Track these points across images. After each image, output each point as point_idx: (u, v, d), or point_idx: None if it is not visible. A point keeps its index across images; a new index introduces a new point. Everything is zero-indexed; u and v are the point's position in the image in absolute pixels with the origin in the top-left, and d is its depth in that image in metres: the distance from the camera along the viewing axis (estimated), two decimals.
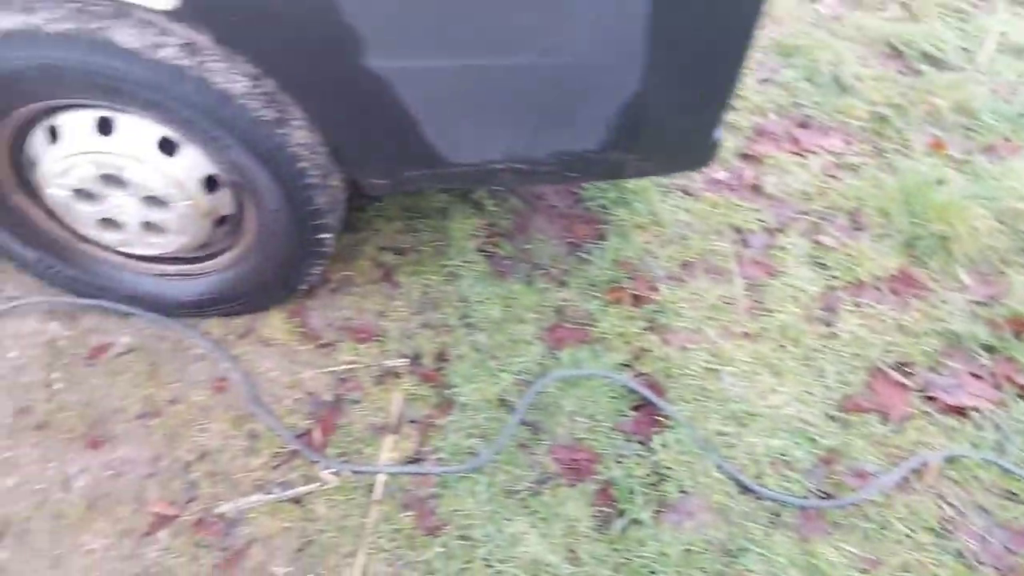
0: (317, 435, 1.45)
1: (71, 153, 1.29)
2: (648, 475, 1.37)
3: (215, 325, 1.62)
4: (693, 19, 1.09)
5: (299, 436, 1.44)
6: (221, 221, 1.45)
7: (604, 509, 1.34)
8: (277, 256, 1.47)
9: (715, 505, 1.34)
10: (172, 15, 1.11)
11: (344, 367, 1.55)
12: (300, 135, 1.29)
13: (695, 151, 1.34)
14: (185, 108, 1.19)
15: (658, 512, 1.32)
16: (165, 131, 1.29)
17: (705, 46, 1.14)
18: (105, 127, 1.28)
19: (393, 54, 1.11)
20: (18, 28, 1.11)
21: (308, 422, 1.47)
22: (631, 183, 1.85)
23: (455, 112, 1.20)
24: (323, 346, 1.59)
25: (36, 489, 1.38)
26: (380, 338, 1.60)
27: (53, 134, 1.29)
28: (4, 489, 1.38)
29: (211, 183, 1.37)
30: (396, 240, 1.77)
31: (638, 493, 1.33)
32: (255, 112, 1.22)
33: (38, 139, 1.31)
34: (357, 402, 1.50)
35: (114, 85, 1.16)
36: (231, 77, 1.20)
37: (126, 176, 1.31)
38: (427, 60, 1.12)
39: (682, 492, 1.34)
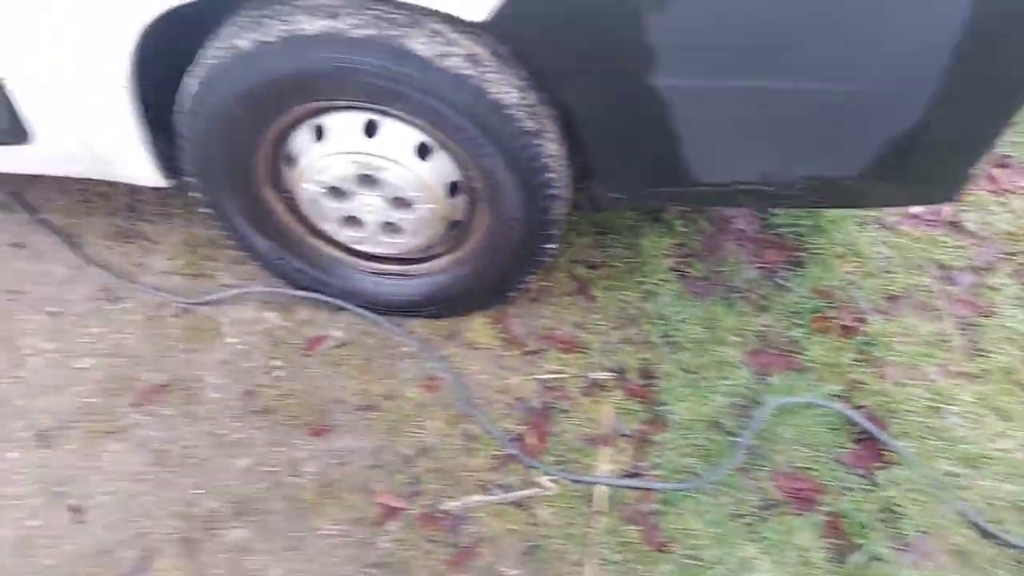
0: (531, 440, 1.47)
1: (335, 152, 1.36)
2: (879, 511, 1.34)
3: (420, 325, 1.67)
4: (997, 52, 1.08)
5: (513, 440, 1.47)
6: (451, 225, 1.50)
7: (836, 542, 1.31)
8: (501, 262, 1.51)
9: (954, 548, 1.30)
10: (470, 27, 1.16)
11: (550, 376, 1.57)
12: (552, 147, 1.32)
13: (949, 185, 1.32)
14: (459, 115, 1.24)
15: (896, 550, 1.29)
16: (423, 136, 1.35)
17: (999, 80, 1.12)
18: (370, 129, 1.35)
19: (682, 73, 1.13)
20: (324, 32, 1.17)
21: (520, 427, 1.50)
22: (828, 212, 1.83)
23: (724, 131, 1.21)
24: (528, 353, 1.61)
25: (269, 471, 1.44)
26: (583, 350, 1.61)
27: (318, 133, 1.37)
28: (240, 469, 1.45)
29: (452, 188, 1.43)
30: (588, 254, 1.79)
31: (871, 528, 1.31)
32: (520, 123, 1.26)
33: (302, 137, 1.37)
34: (566, 411, 1.52)
35: (400, 90, 1.22)
36: (503, 88, 1.24)
37: (381, 177, 1.36)
38: (714, 80, 1.14)
39: (919, 531, 1.31)
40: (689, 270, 1.76)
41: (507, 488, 1.41)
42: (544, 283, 1.73)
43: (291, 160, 1.41)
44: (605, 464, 1.44)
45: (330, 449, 1.47)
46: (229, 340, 1.66)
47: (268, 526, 1.37)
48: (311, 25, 1.18)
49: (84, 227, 1.91)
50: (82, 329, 1.68)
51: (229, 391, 1.57)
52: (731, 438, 1.46)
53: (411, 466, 1.45)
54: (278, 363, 1.61)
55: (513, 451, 1.44)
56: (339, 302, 1.65)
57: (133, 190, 1.99)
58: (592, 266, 1.77)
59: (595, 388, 1.55)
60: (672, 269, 1.75)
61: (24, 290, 1.77)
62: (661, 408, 1.51)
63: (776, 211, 1.87)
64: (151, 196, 1.99)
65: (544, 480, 1.41)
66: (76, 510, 1.40)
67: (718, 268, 1.77)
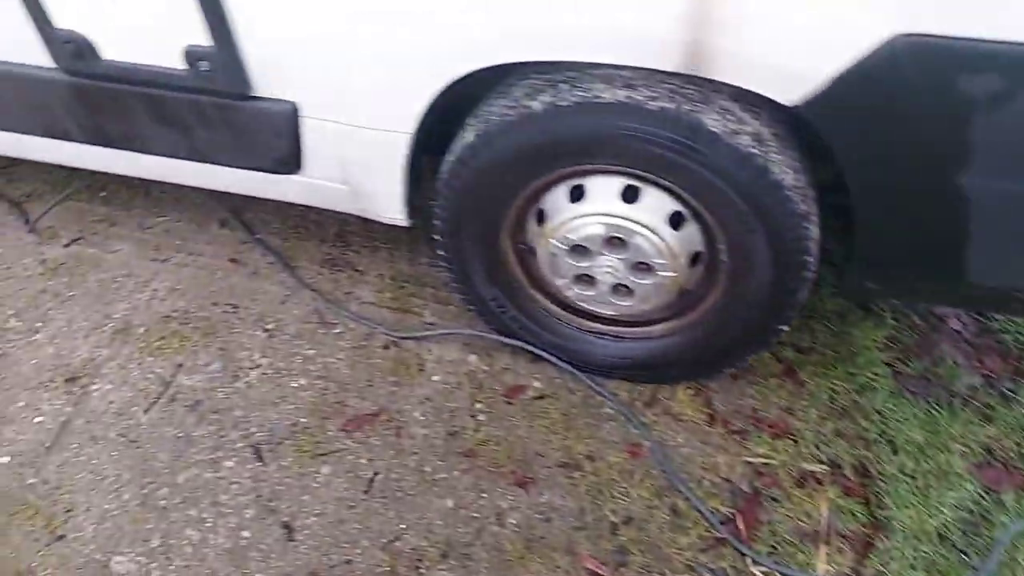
0: (741, 526, 1.42)
1: (590, 213, 1.38)
2: None
3: (619, 387, 1.66)
4: None
5: (724, 523, 1.42)
6: (680, 294, 1.50)
7: None
8: (726, 337, 1.49)
9: None
10: (776, 109, 1.17)
11: (760, 460, 1.52)
12: (815, 230, 1.31)
13: None
14: (734, 192, 1.24)
15: None
16: (678, 206, 1.37)
17: None
18: (628, 195, 1.37)
19: (996, 173, 1.09)
20: (620, 101, 1.21)
21: (728, 510, 1.45)
22: None
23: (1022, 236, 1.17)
24: (734, 432, 1.57)
25: (473, 516, 1.44)
26: (793, 437, 1.56)
27: (575, 193, 1.41)
28: (445, 510, 1.45)
29: (693, 258, 1.43)
30: (796, 336, 1.74)
31: None
32: (793, 204, 1.25)
33: (559, 195, 1.41)
34: (777, 500, 1.46)
35: (683, 162, 1.23)
36: (783, 169, 1.24)
37: (632, 241, 1.38)
38: None
39: None
40: (904, 367, 1.68)
41: (718, 573, 1.36)
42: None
43: (542, 216, 1.46)
44: (822, 563, 1.37)
45: (533, 503, 1.46)
46: (434, 378, 1.69)
47: (472, 573, 1.36)
48: (608, 94, 1.22)
49: (297, 251, 2.02)
50: (295, 349, 1.76)
51: (433, 429, 1.59)
52: (962, 556, 1.37)
53: (617, 534, 1.42)
54: (480, 407, 1.63)
55: (725, 535, 1.40)
56: (543, 354, 1.66)
57: (342, 220, 2.10)
58: (800, 350, 1.72)
59: (808, 479, 1.49)
60: (886, 363, 1.69)
61: (241, 305, 1.87)
62: (883, 512, 1.43)
63: (996, 315, 1.79)
64: (359, 228, 2.09)
65: (757, 571, 1.36)
66: (287, 528, 1.44)
67: (935, 369, 1.69)
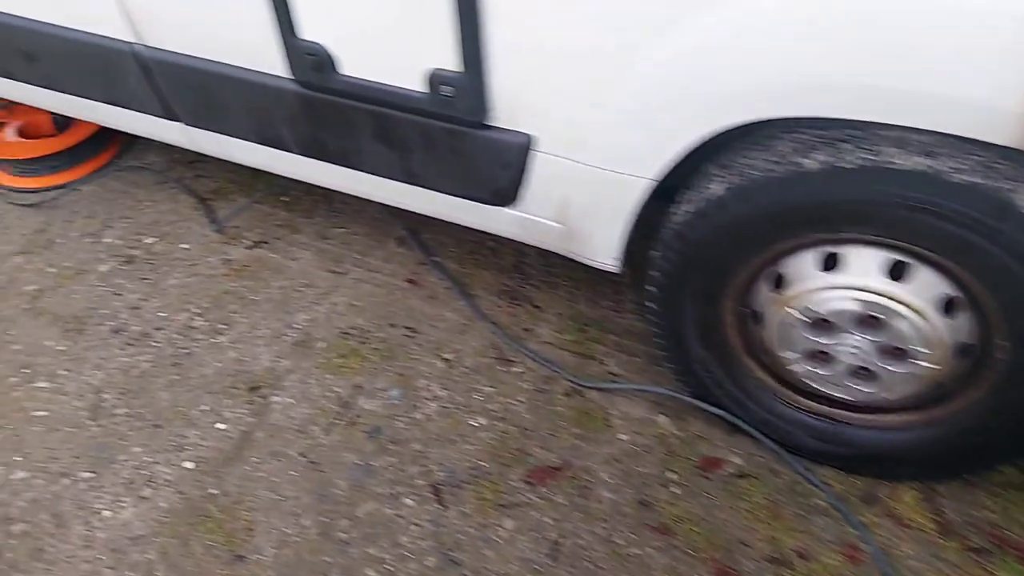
0: None
1: (844, 285, 1.22)
2: None
3: (832, 477, 1.48)
4: None
5: None
6: (935, 386, 1.32)
7: None
8: (982, 442, 1.29)
9: None
10: None
11: None
12: None
13: None
14: None
15: None
16: (953, 291, 1.19)
17: None
18: (895, 271, 1.22)
19: None
20: (917, 169, 1.06)
21: None
22: None
23: None
24: (972, 550, 1.36)
25: None
26: None
27: (829, 261, 1.26)
28: None
29: (963, 350, 1.25)
30: None
31: None
32: None
33: (805, 261, 1.26)
34: None
35: (981, 244, 1.05)
36: None
37: (891, 323, 1.22)
38: None
39: None
40: None
41: None
42: None
43: (779, 280, 1.32)
44: None
45: None
46: (620, 436, 1.57)
47: None
48: (903, 160, 1.06)
49: (474, 278, 1.96)
50: (473, 384, 1.68)
51: (622, 495, 1.47)
52: None
53: None
54: (673, 477, 1.50)
55: None
56: (745, 426, 1.51)
57: (519, 251, 2.02)
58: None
59: None
60: None
61: (419, 329, 1.82)
62: None
63: None
64: (536, 261, 2.00)
65: None
66: None
67: None
